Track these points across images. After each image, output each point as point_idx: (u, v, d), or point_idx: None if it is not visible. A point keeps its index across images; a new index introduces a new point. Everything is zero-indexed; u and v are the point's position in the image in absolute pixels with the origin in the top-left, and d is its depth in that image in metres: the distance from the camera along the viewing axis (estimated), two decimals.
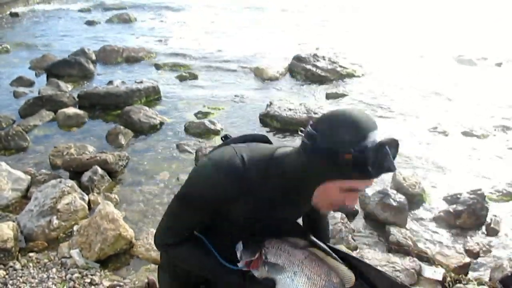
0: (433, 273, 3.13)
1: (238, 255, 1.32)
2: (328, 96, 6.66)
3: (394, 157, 1.12)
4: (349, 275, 1.31)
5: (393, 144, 1.12)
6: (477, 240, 3.62)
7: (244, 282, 1.34)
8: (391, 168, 1.10)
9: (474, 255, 3.43)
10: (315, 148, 1.15)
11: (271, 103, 5.97)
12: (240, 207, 1.27)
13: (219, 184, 1.23)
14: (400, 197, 3.86)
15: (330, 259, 1.33)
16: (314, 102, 6.30)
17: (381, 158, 1.09)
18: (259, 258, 1.30)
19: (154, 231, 1.47)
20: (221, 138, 1.44)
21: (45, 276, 3.02)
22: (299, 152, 1.22)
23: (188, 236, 1.39)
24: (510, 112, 6.05)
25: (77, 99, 6.14)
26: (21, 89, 6.72)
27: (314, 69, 7.38)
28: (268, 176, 1.26)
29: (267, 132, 5.43)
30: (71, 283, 2.95)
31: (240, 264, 1.32)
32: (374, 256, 3.26)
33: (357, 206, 3.98)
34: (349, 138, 1.09)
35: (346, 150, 1.08)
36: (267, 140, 1.43)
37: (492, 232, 3.71)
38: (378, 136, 1.11)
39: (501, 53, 8.66)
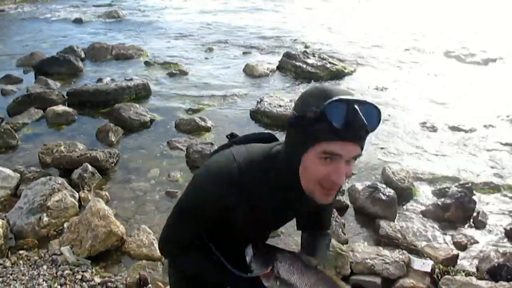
0: (422, 265, 3.17)
1: (248, 259, 1.32)
2: None
3: (374, 119, 1.10)
4: None
5: (365, 103, 1.09)
6: (465, 232, 3.69)
7: None
8: (361, 124, 1.06)
9: (462, 247, 3.49)
10: (290, 123, 1.17)
11: (261, 100, 5.98)
12: (241, 214, 1.26)
13: (217, 194, 1.23)
14: (390, 191, 3.91)
15: (341, 283, 1.33)
16: None
17: (350, 115, 1.06)
18: (270, 271, 1.30)
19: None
20: (227, 137, 1.43)
21: (35, 273, 3.00)
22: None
23: (194, 244, 1.38)
24: (497, 107, 6.14)
25: (66, 97, 6.09)
26: (9, 87, 6.65)
27: (304, 66, 7.40)
28: (265, 178, 1.25)
29: (258, 128, 5.45)
30: (62, 280, 2.94)
31: (251, 274, 1.31)
32: (364, 250, 3.29)
33: (347, 201, 4.02)
34: (314, 100, 1.11)
35: (310, 109, 1.09)
36: (272, 138, 1.40)
37: (480, 224, 3.77)
38: (349, 99, 1.08)
39: (489, 49, 8.77)
